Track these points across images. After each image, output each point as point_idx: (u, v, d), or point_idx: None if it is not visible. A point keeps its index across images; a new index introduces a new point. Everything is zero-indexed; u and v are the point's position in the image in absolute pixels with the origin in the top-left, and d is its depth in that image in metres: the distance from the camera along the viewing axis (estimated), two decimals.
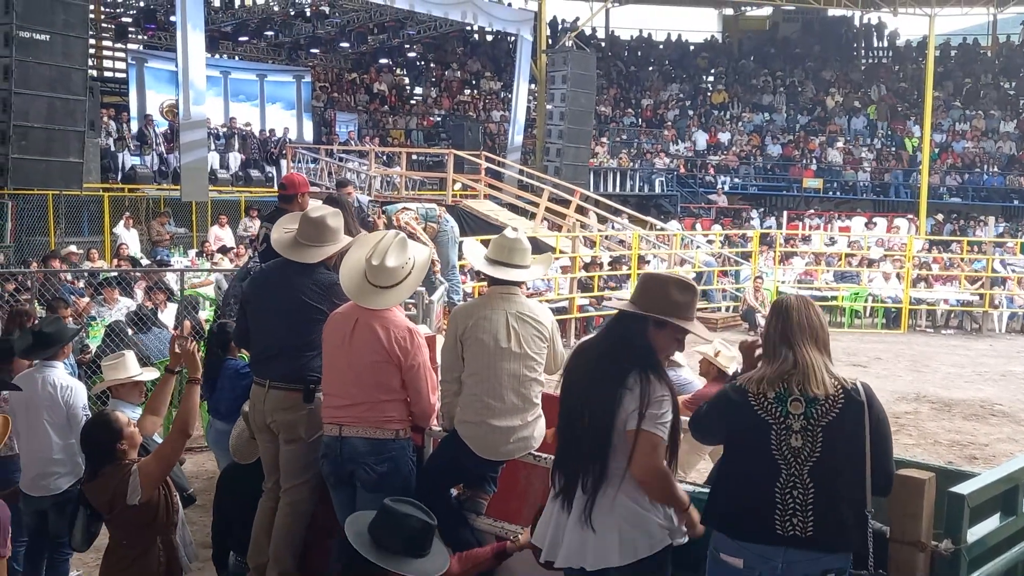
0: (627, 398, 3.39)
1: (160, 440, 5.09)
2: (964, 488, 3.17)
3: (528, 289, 15.74)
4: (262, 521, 4.85)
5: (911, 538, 3.14)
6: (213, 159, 20.98)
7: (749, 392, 3.23)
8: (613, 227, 21.33)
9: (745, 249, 20.39)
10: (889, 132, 30.84)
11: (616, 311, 3.70)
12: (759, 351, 3.45)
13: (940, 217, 27.17)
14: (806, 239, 23.33)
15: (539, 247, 16.33)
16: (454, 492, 4.54)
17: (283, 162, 22.54)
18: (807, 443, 3.14)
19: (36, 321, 6.51)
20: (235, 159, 22.41)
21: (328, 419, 4.48)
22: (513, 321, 4.24)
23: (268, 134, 24.60)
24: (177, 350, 4.62)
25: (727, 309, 18.70)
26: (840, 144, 29.97)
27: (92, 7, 22.09)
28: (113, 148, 20.35)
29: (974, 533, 3.23)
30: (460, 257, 9.32)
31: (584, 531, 3.44)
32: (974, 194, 28.69)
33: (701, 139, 30.70)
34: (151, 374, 5.90)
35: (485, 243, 4.98)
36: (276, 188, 7.45)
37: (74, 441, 5.22)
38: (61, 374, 5.38)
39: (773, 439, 3.16)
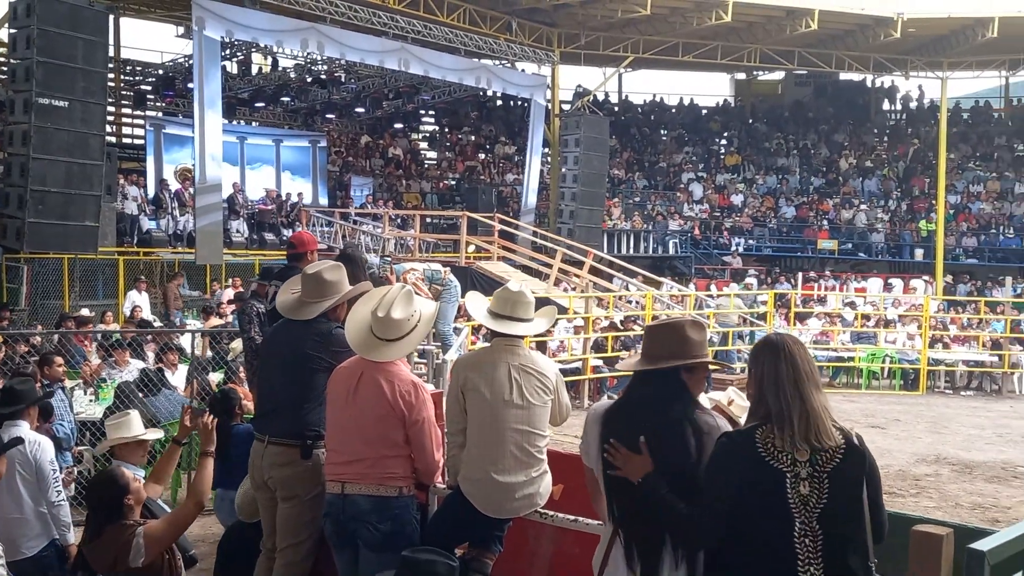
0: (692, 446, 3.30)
1: (163, 504, 5.02)
2: (984, 545, 3.02)
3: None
4: None
5: None
6: (229, 223, 21.14)
7: (757, 442, 3.12)
8: (627, 288, 21.29)
9: (761, 310, 20.27)
10: (901, 195, 30.88)
11: (644, 369, 3.49)
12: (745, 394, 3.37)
13: (950, 278, 27.05)
14: (822, 300, 23.20)
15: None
16: (458, 552, 4.42)
17: (298, 225, 22.69)
18: (814, 490, 3.07)
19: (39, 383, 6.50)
20: (241, 223, 22.54)
21: (331, 476, 4.39)
22: (516, 373, 4.16)
23: (286, 198, 24.80)
24: (188, 423, 4.66)
25: (741, 370, 18.52)
26: (854, 206, 30.00)
27: (112, 75, 22.46)
28: (135, 212, 20.55)
29: None
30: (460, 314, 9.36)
31: None
32: (990, 255, 28.57)
33: (715, 201, 30.78)
34: (155, 434, 5.84)
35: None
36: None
37: (44, 502, 5.16)
38: (27, 431, 5.31)
39: (788, 487, 3.07)
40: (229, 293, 17.62)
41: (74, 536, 5.21)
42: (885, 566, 3.53)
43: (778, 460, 3.09)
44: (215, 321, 14.93)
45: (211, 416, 4.57)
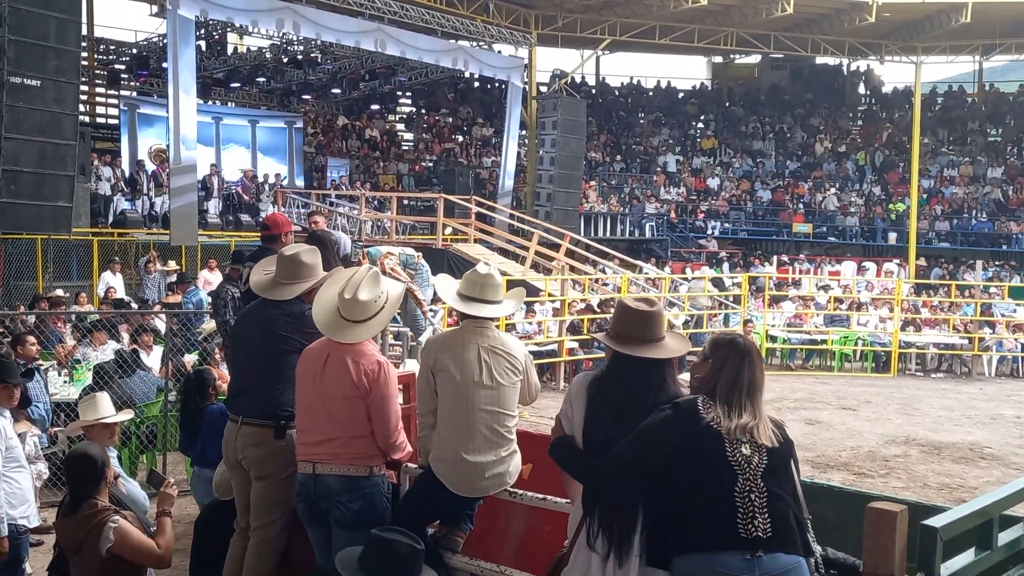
0: None
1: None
2: (937, 521, 3.12)
3: (519, 333, 15.76)
4: (233, 561, 4.79)
5: (884, 572, 3.10)
6: (205, 204, 21.05)
7: (699, 408, 3.33)
8: (603, 271, 21.38)
9: (735, 292, 20.40)
10: (877, 178, 31.09)
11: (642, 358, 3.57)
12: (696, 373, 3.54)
13: (923, 262, 27.32)
14: (796, 283, 23.38)
15: (529, 290, 16.33)
16: (430, 530, 4.48)
17: (272, 207, 22.62)
18: (755, 453, 3.28)
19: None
20: (217, 205, 22.44)
21: (302, 456, 4.43)
22: (485, 355, 4.21)
23: (262, 179, 24.69)
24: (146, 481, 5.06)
25: None
26: (829, 190, 30.19)
27: (85, 54, 22.25)
28: (109, 193, 20.42)
29: (948, 567, 3.18)
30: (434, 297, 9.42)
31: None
32: (963, 239, 28.87)
33: (691, 184, 30.90)
34: (124, 416, 5.88)
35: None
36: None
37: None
38: None
39: (727, 447, 3.26)
40: (206, 274, 17.47)
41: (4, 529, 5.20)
42: (846, 544, 3.63)
43: (717, 424, 3.31)
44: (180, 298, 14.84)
45: (171, 483, 4.62)
